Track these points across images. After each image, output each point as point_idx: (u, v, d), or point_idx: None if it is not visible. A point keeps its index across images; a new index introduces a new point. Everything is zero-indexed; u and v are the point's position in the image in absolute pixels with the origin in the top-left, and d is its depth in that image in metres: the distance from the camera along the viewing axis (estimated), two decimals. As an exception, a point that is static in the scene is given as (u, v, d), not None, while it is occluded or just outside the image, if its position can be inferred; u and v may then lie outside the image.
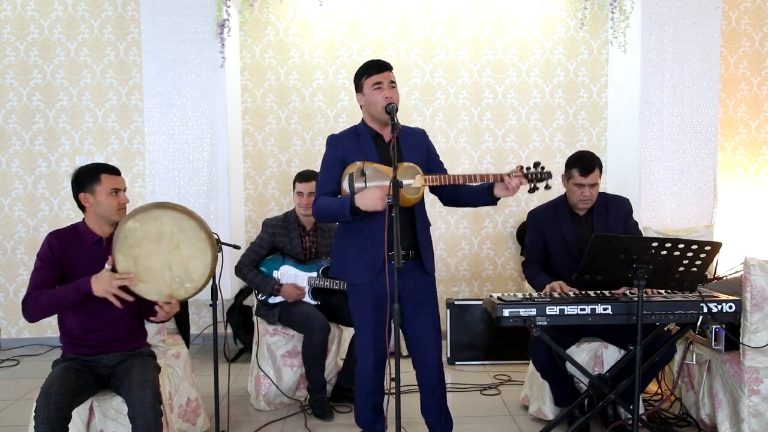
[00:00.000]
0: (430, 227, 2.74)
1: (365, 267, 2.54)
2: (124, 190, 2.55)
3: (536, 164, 2.56)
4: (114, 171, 2.54)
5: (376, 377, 2.61)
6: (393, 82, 2.55)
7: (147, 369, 2.45)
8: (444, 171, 2.74)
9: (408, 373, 3.69)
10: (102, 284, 2.34)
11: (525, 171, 2.54)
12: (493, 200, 2.61)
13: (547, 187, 2.56)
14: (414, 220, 2.60)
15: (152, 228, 2.38)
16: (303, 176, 3.54)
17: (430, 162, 2.71)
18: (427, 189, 2.66)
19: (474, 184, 2.64)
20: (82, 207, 2.52)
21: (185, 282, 2.43)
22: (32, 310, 2.40)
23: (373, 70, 2.55)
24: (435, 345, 2.63)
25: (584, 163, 3.02)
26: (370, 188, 2.43)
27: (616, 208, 3.13)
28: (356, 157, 2.55)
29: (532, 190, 2.56)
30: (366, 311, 2.60)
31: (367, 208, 2.41)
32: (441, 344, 2.68)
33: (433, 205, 3.01)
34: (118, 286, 2.34)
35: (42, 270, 2.44)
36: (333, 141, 2.64)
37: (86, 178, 2.48)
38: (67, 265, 2.46)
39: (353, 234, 2.58)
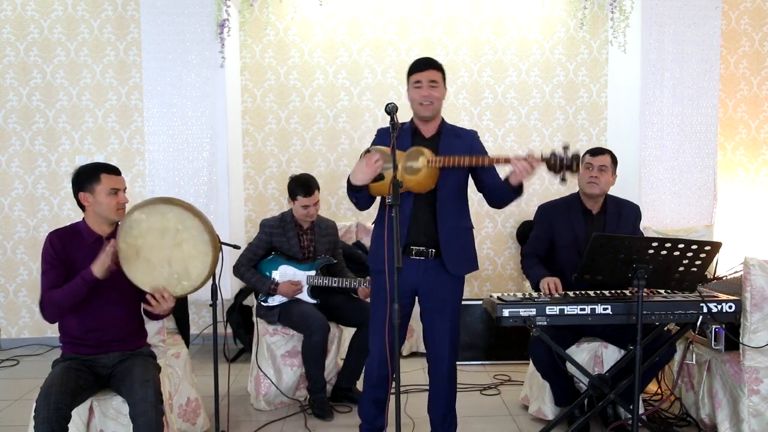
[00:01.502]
0: (471, 228, 2.69)
1: (382, 255, 2.54)
2: (124, 190, 2.55)
3: (566, 147, 2.38)
4: (114, 171, 2.53)
5: (379, 371, 2.62)
6: (434, 81, 2.56)
7: (148, 368, 2.45)
8: (495, 176, 2.63)
9: (409, 373, 3.71)
10: (99, 260, 2.37)
11: (548, 157, 2.37)
12: (515, 190, 2.49)
13: (574, 170, 2.36)
14: (435, 216, 2.57)
15: (157, 222, 2.40)
16: (304, 190, 3.44)
17: (476, 167, 2.60)
18: (474, 187, 2.67)
19: (499, 177, 2.57)
20: (82, 206, 2.53)
21: (182, 280, 2.43)
22: (49, 311, 2.42)
23: (414, 68, 2.61)
24: (449, 347, 2.63)
25: (596, 147, 3.15)
26: (358, 162, 2.49)
27: (628, 212, 3.15)
28: None
29: (562, 180, 2.39)
30: (376, 301, 2.64)
31: (358, 181, 2.49)
32: (456, 347, 2.67)
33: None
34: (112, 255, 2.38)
35: (50, 271, 2.45)
36: (377, 134, 2.73)
37: (86, 178, 2.48)
38: (69, 263, 2.47)
39: (380, 223, 2.65)
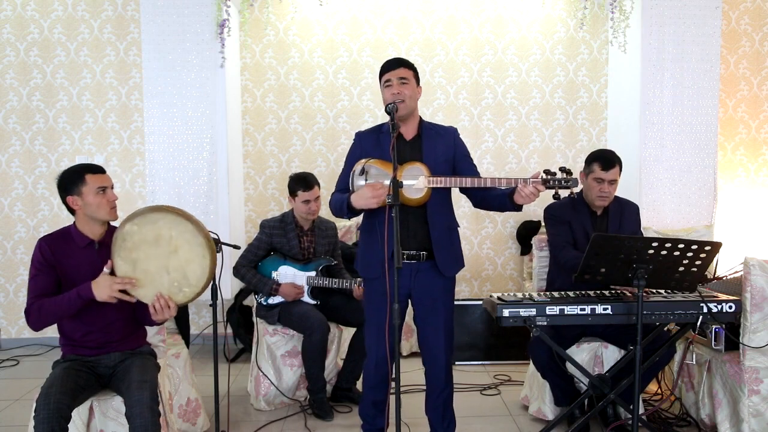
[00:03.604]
0: (458, 228, 2.69)
1: (375, 263, 2.54)
2: (111, 188, 2.49)
3: (562, 169, 2.42)
4: (98, 170, 2.49)
5: (377, 373, 2.63)
6: (403, 78, 2.53)
7: (146, 369, 2.44)
8: (475, 172, 2.65)
9: (409, 373, 3.70)
10: (104, 289, 2.32)
11: (547, 177, 2.40)
12: (515, 207, 2.50)
13: (572, 195, 2.43)
14: (426, 220, 2.57)
15: (150, 231, 2.35)
16: (305, 185, 3.47)
17: (459, 163, 2.63)
18: (456, 189, 2.63)
19: (491, 186, 2.52)
20: (71, 210, 2.49)
21: (183, 287, 2.39)
22: (35, 320, 2.38)
23: (384, 68, 2.58)
24: (444, 348, 2.63)
25: (606, 158, 3.03)
26: (363, 187, 2.45)
27: (630, 212, 3.15)
28: (374, 154, 2.56)
29: (556, 196, 2.45)
30: (372, 306, 2.63)
31: (361, 206, 2.46)
32: (451, 347, 2.68)
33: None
34: (119, 290, 2.33)
35: (38, 277, 2.41)
36: (356, 137, 2.70)
37: (71, 181, 2.45)
38: (60, 269, 2.43)
39: (370, 230, 2.61)
